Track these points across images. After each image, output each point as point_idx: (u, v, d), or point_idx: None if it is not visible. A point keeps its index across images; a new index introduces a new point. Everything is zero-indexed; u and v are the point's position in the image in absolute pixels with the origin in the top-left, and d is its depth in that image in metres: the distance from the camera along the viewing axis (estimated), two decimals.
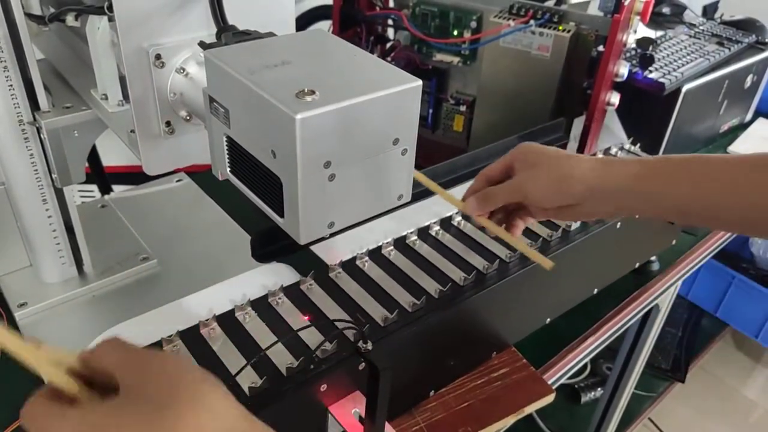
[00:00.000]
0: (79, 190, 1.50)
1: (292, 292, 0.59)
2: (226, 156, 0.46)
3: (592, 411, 1.37)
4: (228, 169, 0.47)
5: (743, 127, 1.41)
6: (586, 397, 1.49)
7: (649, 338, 1.14)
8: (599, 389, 1.49)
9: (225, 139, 0.45)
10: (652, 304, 1.00)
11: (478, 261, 0.66)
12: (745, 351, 2.06)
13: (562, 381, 0.83)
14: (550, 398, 0.69)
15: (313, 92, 0.39)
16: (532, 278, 0.68)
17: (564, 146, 1.00)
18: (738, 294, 1.73)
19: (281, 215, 0.42)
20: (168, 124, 0.55)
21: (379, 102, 0.40)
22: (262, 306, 0.57)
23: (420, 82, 0.42)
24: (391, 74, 0.42)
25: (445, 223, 0.72)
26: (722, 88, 1.23)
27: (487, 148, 0.89)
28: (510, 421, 0.66)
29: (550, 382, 0.79)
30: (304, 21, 1.12)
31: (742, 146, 1.33)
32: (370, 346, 0.49)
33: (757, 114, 1.43)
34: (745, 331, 1.81)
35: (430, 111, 1.16)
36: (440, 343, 0.62)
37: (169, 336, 0.52)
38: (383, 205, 0.46)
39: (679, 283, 1.04)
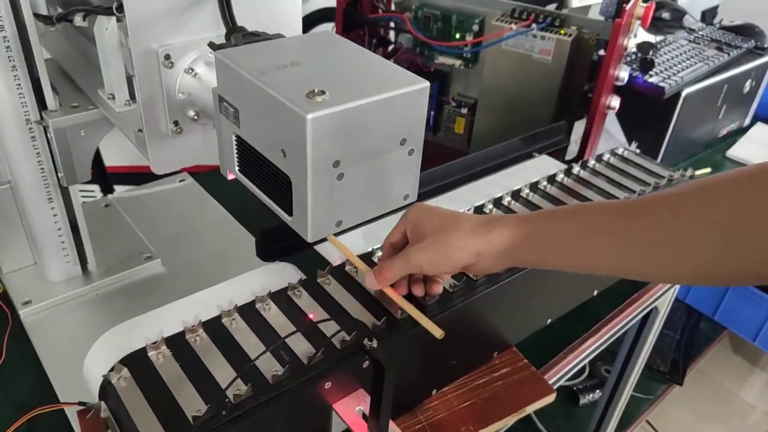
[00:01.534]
0: (81, 190, 1.51)
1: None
2: (236, 155, 0.47)
3: (591, 413, 1.38)
4: (237, 168, 0.47)
5: (742, 131, 1.42)
6: (584, 399, 1.50)
7: (648, 340, 1.15)
8: (598, 391, 1.50)
9: (234, 138, 0.46)
10: (651, 306, 1.00)
11: None
12: (743, 354, 2.07)
13: (561, 383, 0.83)
14: (551, 398, 0.69)
15: (323, 92, 0.39)
16: (534, 279, 0.69)
17: (565, 149, 1.01)
18: (736, 297, 1.73)
19: (290, 213, 0.43)
20: (176, 123, 0.56)
21: (388, 103, 0.41)
22: (248, 312, 0.57)
23: (427, 84, 0.43)
24: (399, 75, 0.43)
25: None
26: (721, 92, 1.24)
27: (486, 151, 0.90)
28: (511, 420, 0.67)
29: (550, 383, 0.80)
30: (307, 23, 1.13)
31: (741, 151, 1.34)
32: (375, 344, 0.50)
33: (756, 119, 1.44)
34: (744, 334, 1.81)
35: (432, 113, 1.17)
36: (442, 343, 0.63)
37: (154, 342, 0.52)
38: (390, 205, 0.46)
39: (678, 285, 1.05)
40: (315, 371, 0.50)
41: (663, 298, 1.02)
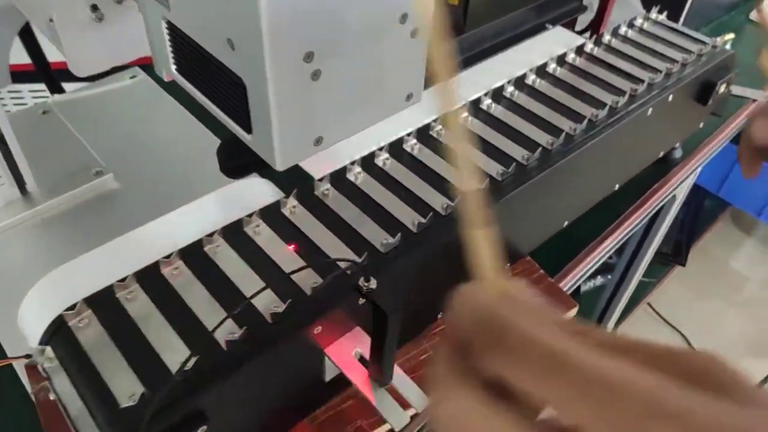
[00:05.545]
0: (30, 90, 1.35)
1: (272, 215, 0.48)
2: (169, 49, 0.34)
3: (592, 299, 1.33)
4: (173, 67, 0.35)
5: None
6: (585, 287, 1.45)
7: (663, 227, 1.07)
8: (599, 277, 1.45)
9: (165, 25, 0.33)
10: (672, 195, 0.91)
11: (492, 166, 0.56)
12: (741, 228, 2.03)
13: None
14: (573, 312, 0.61)
15: None
16: (552, 179, 0.58)
17: (575, 20, 0.87)
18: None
19: (249, 131, 0.31)
20: (95, 8, 0.42)
21: None
22: (235, 235, 0.47)
23: None
24: None
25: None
26: None
27: (489, 26, 0.76)
28: None
29: (566, 288, 0.72)
30: None
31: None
32: (373, 284, 0.40)
33: None
34: (748, 209, 1.75)
35: None
36: (451, 263, 0.53)
37: (123, 279, 0.42)
38: (388, 109, 0.35)
39: (699, 169, 0.95)
40: (302, 316, 0.41)
41: (683, 185, 0.92)
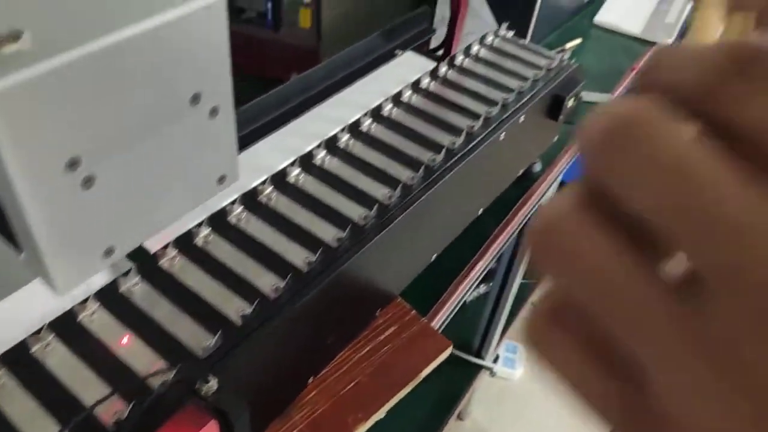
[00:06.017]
0: None
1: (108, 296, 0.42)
2: None
3: (478, 307, 1.35)
4: None
5: None
6: (470, 297, 1.47)
7: None
8: (482, 286, 1.47)
9: None
10: (536, 209, 0.92)
11: (353, 209, 0.53)
12: None
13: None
14: (447, 352, 0.59)
15: (17, 37, 0.21)
16: (416, 214, 0.56)
17: (429, 41, 0.86)
18: None
19: (18, 248, 0.25)
20: None
21: (151, 39, 0.23)
22: (67, 327, 0.40)
23: None
24: None
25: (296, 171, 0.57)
26: None
27: (335, 59, 0.72)
28: (407, 390, 0.56)
29: (443, 320, 0.70)
30: None
31: (607, 16, 1.25)
32: (214, 384, 0.35)
33: None
34: None
35: (269, 6, 0.96)
36: (316, 323, 0.49)
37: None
38: (197, 197, 0.30)
39: (560, 178, 0.97)
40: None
41: (546, 197, 0.94)
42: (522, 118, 0.69)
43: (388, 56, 0.74)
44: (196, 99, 0.26)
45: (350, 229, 0.50)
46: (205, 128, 0.27)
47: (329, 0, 0.90)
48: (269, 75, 0.95)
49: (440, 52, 0.93)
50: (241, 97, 0.96)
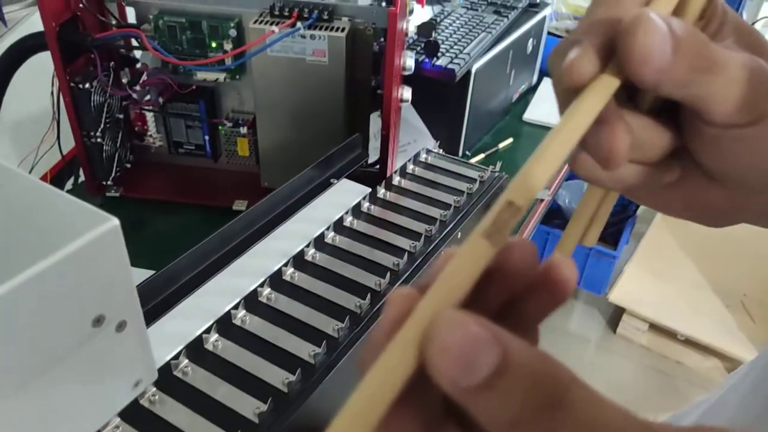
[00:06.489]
0: None
1: None
2: None
3: None
4: None
5: (532, 89, 1.41)
6: None
7: None
8: None
9: None
10: None
11: (304, 348, 0.53)
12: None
13: None
14: None
15: None
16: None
17: (365, 163, 0.88)
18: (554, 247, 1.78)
19: None
20: None
21: (41, 280, 0.23)
22: None
23: (115, 222, 0.25)
24: (55, 218, 0.25)
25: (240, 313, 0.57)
26: (509, 58, 1.19)
27: (268, 199, 0.72)
28: None
29: None
30: (11, 58, 0.87)
31: (535, 113, 1.31)
32: None
33: (542, 74, 1.44)
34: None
35: (206, 138, 0.98)
36: None
37: None
38: (111, 406, 0.29)
39: None
40: None
41: None
42: (459, 235, 0.70)
43: (325, 185, 0.76)
44: (98, 321, 0.26)
45: (300, 371, 0.49)
46: (113, 343, 0.27)
47: (264, 130, 0.92)
48: (213, 203, 0.95)
49: (377, 167, 0.96)
50: (191, 229, 0.95)
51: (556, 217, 1.79)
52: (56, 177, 0.98)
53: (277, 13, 0.84)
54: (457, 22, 1.18)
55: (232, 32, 0.88)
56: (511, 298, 0.21)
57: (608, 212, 0.32)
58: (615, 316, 2.05)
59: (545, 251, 1.79)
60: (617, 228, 1.96)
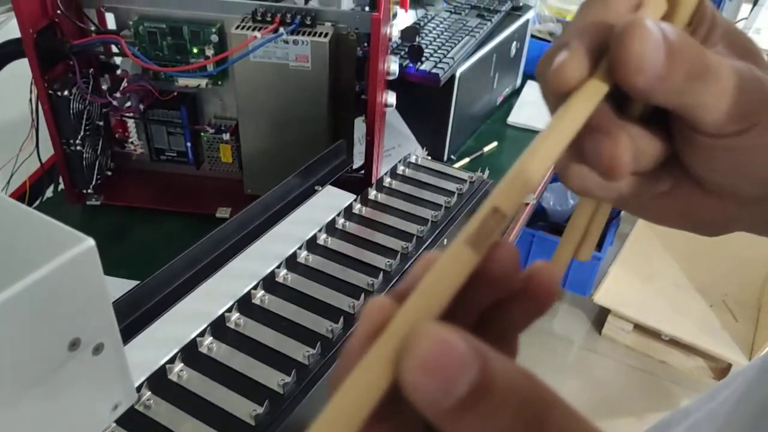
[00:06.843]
0: None
1: None
2: None
3: None
4: None
5: (516, 93, 1.41)
6: None
7: None
8: None
9: None
10: None
11: (298, 349, 0.52)
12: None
13: None
14: None
15: None
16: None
17: (350, 168, 0.88)
18: (540, 250, 1.79)
19: None
20: None
21: (13, 305, 0.22)
22: None
23: (90, 242, 0.24)
24: (27, 240, 0.24)
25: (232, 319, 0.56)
26: (492, 62, 1.19)
27: (253, 207, 0.71)
28: None
29: None
30: None
31: (519, 116, 1.31)
32: None
33: (525, 77, 1.44)
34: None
35: (188, 145, 0.96)
36: None
37: None
38: (91, 429, 0.28)
39: None
40: None
41: None
42: (446, 242, 0.70)
43: (310, 192, 0.75)
44: (74, 345, 0.25)
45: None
46: (91, 366, 0.26)
47: (247, 136, 0.91)
48: (196, 211, 0.94)
49: (362, 173, 0.95)
50: (173, 237, 0.94)
51: (540, 219, 1.79)
52: (35, 185, 0.96)
53: (259, 18, 0.84)
54: (441, 26, 1.18)
55: (214, 38, 0.87)
56: (492, 306, 0.21)
57: (602, 225, 0.31)
58: (600, 316, 2.06)
59: (530, 254, 1.80)
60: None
